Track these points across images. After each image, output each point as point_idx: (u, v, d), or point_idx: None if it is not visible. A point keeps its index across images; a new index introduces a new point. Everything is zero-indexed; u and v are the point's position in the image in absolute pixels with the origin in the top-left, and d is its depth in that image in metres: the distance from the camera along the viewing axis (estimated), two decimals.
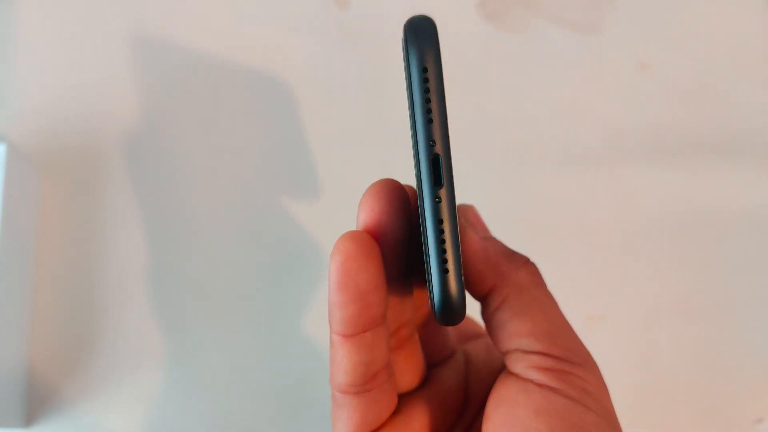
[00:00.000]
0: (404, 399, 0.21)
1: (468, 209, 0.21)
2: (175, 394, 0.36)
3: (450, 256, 0.16)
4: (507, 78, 0.44)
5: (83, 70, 0.41)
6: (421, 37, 0.16)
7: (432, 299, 0.16)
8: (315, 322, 0.38)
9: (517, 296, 0.18)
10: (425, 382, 0.21)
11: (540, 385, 0.17)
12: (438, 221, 0.16)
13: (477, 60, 0.44)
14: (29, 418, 0.35)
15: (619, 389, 0.37)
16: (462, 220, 0.20)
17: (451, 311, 0.16)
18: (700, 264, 0.42)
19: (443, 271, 0.16)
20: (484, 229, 0.21)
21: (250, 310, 0.38)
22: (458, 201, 0.40)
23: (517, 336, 0.18)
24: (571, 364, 0.17)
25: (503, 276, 0.19)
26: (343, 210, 0.40)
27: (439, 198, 0.16)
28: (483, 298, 0.19)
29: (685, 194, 0.43)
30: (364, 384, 0.18)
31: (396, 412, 0.20)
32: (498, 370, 0.21)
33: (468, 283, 0.19)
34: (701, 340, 0.41)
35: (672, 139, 0.44)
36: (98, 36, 0.42)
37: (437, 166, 0.16)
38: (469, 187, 0.43)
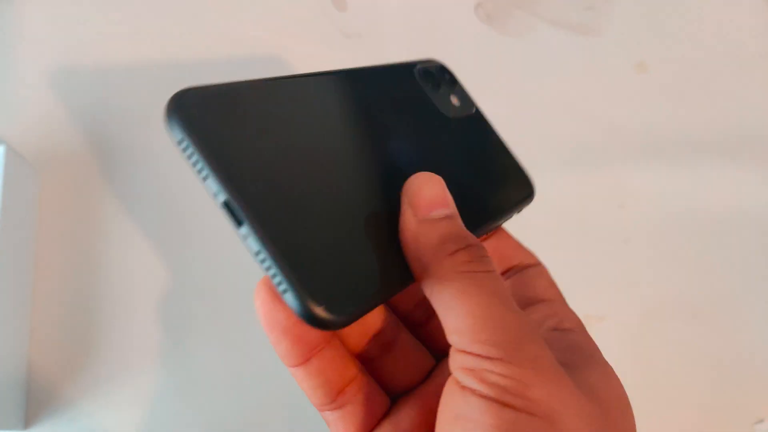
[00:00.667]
0: (402, 397, 0.21)
1: (414, 184, 0.19)
2: (174, 396, 0.36)
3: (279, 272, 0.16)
4: (506, 79, 0.44)
5: (82, 75, 0.41)
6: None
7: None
8: None
9: (440, 289, 0.17)
10: (427, 377, 0.21)
11: (461, 387, 0.17)
12: (255, 254, 0.16)
13: (476, 61, 0.44)
14: (28, 420, 0.35)
15: None
16: (404, 198, 0.19)
17: (314, 324, 0.16)
18: (699, 264, 0.42)
19: (282, 292, 0.16)
20: (427, 207, 0.18)
21: (250, 312, 0.38)
22: None
23: (447, 332, 0.17)
24: (490, 361, 0.16)
25: (426, 268, 0.18)
26: None
27: (243, 236, 0.16)
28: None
29: (684, 194, 0.43)
30: (333, 402, 0.19)
31: (392, 411, 0.20)
32: None
33: (409, 258, 0.18)
34: (701, 341, 0.41)
35: (671, 139, 0.44)
36: (97, 40, 0.42)
37: (231, 210, 0.16)
38: None
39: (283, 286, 0.16)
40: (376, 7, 0.44)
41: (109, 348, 0.36)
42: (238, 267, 0.39)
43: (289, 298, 0.16)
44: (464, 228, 0.19)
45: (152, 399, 0.36)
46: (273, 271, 0.16)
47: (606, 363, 0.20)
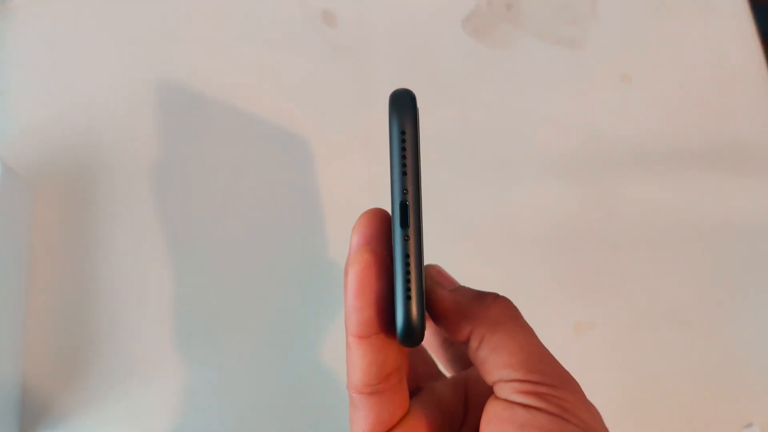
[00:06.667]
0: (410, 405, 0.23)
1: (431, 269, 0.23)
2: (170, 407, 0.36)
3: (413, 285, 0.19)
4: (494, 92, 0.45)
5: (75, 93, 0.41)
6: (401, 105, 0.19)
7: (396, 323, 0.19)
8: (312, 337, 0.39)
9: (492, 333, 0.20)
10: (424, 392, 0.23)
11: (522, 405, 0.19)
12: (405, 255, 0.19)
13: (464, 74, 0.45)
14: None
15: (608, 395, 0.37)
16: (429, 281, 0.22)
17: (412, 335, 0.19)
18: (687, 271, 0.43)
19: (407, 299, 0.19)
20: (450, 282, 0.22)
21: (246, 324, 0.38)
22: (447, 215, 0.40)
23: (497, 369, 0.20)
24: (548, 386, 0.19)
25: (476, 318, 0.21)
26: (334, 222, 0.41)
27: (408, 237, 0.19)
28: (466, 342, 0.21)
29: (671, 202, 0.44)
30: (378, 383, 0.20)
31: (406, 414, 0.22)
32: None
33: (450, 332, 0.21)
34: (689, 346, 0.41)
35: (657, 148, 0.45)
36: (89, 58, 0.42)
37: (405, 211, 0.19)
38: (458, 199, 0.44)
39: (414, 293, 0.19)
40: (366, 22, 0.44)
41: (103, 361, 0.37)
42: (233, 280, 0.39)
43: (411, 305, 0.19)
44: None
45: (147, 412, 0.36)
46: (416, 276, 0.19)
47: None
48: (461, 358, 0.26)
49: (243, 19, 0.44)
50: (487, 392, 0.21)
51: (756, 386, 0.41)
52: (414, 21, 0.45)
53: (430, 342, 0.26)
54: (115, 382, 0.36)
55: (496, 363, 0.20)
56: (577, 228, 0.42)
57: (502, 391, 0.20)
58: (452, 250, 0.41)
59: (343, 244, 0.40)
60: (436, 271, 0.23)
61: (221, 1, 0.44)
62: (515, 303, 0.22)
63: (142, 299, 0.38)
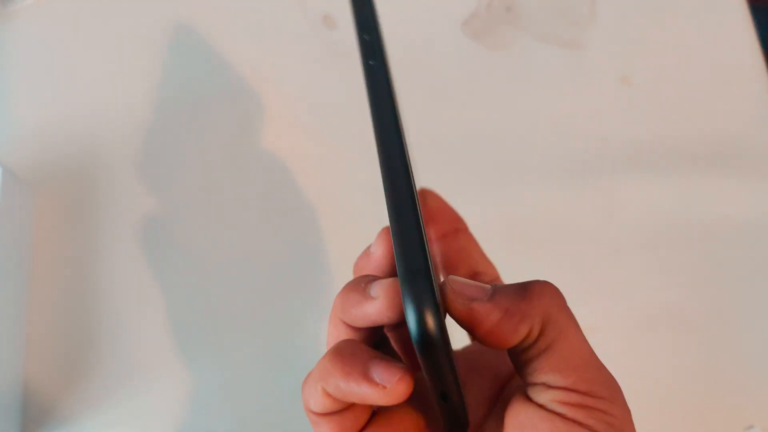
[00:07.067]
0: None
1: (452, 283, 0.19)
2: (171, 408, 0.36)
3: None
4: (494, 94, 0.45)
5: (75, 96, 0.41)
6: None
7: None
8: (312, 339, 0.39)
9: (546, 332, 0.18)
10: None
11: (565, 418, 0.18)
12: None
13: (464, 77, 0.45)
14: None
15: None
16: (461, 300, 0.18)
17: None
18: (688, 274, 0.42)
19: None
20: (480, 290, 0.19)
21: (246, 325, 0.38)
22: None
23: (542, 372, 0.18)
24: (595, 399, 0.18)
25: (529, 317, 0.18)
26: (335, 223, 0.41)
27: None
28: (520, 343, 0.19)
29: (672, 204, 0.44)
30: (342, 406, 0.19)
31: (377, 413, 0.20)
32: (504, 375, 0.22)
33: (506, 342, 0.18)
34: (692, 349, 0.41)
35: (657, 150, 0.45)
36: (90, 61, 0.42)
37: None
38: (457, 200, 0.44)
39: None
40: None
41: (104, 363, 0.37)
42: (233, 284, 0.39)
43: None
44: None
45: (148, 413, 0.36)
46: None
47: None
48: None
49: (243, 22, 0.44)
50: (493, 383, 0.20)
51: (757, 388, 0.41)
52: (413, 23, 0.45)
53: None
54: (116, 383, 0.36)
55: (542, 366, 0.18)
56: (578, 230, 0.42)
57: (541, 396, 0.18)
58: None
59: (343, 245, 0.40)
60: (458, 284, 0.19)
61: (222, 5, 0.44)
62: None
63: (142, 301, 0.38)
